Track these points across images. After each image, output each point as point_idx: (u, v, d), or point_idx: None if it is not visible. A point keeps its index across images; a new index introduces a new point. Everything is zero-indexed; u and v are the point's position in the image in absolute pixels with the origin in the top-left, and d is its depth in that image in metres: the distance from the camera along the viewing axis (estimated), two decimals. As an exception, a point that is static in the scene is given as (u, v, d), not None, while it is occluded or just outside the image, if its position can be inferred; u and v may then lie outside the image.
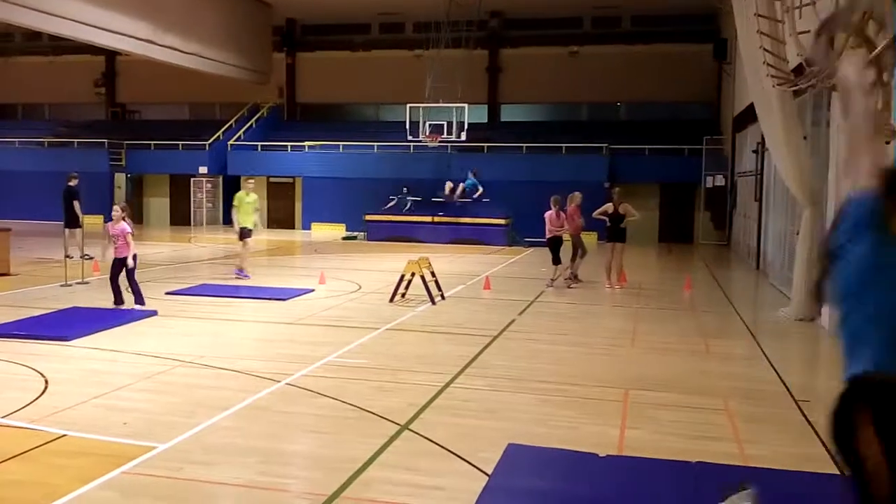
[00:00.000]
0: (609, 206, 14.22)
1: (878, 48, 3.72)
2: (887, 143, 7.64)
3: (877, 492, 2.13)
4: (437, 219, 24.56)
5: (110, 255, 10.83)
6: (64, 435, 5.52)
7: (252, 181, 15.93)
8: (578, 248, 14.64)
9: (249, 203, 14.60)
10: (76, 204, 16.12)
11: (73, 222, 15.72)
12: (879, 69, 3.65)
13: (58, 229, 17.26)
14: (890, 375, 2.32)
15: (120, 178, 30.89)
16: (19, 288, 12.83)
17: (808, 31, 8.42)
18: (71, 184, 16.55)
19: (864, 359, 2.38)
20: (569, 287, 14.00)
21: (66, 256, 13.73)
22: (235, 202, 14.66)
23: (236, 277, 14.22)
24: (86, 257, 14.09)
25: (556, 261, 14.05)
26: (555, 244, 14.10)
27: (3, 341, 8.49)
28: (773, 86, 10.96)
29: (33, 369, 7.35)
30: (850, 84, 2.74)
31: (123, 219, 10.65)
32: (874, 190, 2.48)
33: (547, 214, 14.15)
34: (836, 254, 2.51)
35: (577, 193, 14.68)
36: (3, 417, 5.91)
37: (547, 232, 14.16)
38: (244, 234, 14.45)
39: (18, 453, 5.14)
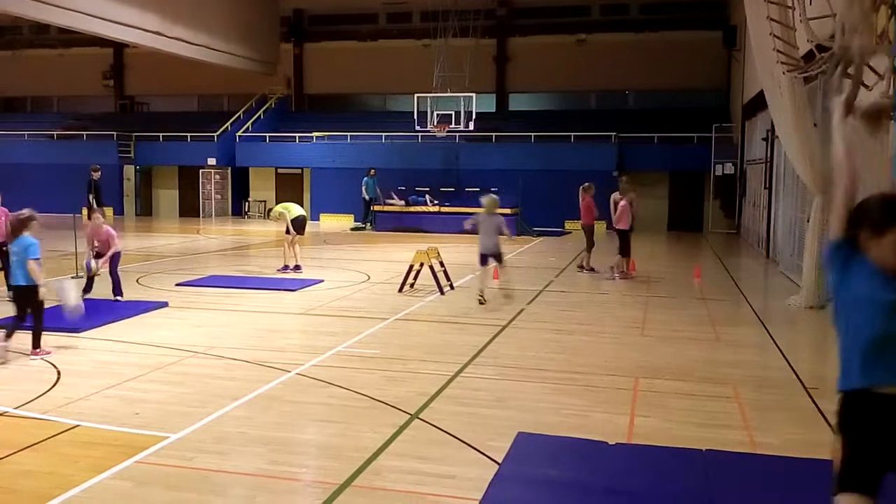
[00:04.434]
0: (616, 195, 14.21)
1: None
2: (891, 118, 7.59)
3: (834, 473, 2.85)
4: (444, 209, 24.52)
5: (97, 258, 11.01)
6: (77, 425, 5.57)
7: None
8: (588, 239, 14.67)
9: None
10: (90, 197, 16.31)
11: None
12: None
13: (67, 221, 17.31)
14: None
15: (129, 170, 31.00)
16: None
17: (818, 18, 8.36)
18: (93, 176, 16.98)
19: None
20: (581, 271, 14.26)
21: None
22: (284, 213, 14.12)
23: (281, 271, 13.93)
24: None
25: (625, 251, 13.93)
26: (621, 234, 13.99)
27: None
28: (784, 73, 10.91)
29: (46, 360, 7.41)
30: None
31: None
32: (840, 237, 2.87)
33: (620, 204, 13.89)
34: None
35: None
36: (16, 408, 5.96)
37: (617, 221, 13.95)
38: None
39: (32, 444, 5.19)
